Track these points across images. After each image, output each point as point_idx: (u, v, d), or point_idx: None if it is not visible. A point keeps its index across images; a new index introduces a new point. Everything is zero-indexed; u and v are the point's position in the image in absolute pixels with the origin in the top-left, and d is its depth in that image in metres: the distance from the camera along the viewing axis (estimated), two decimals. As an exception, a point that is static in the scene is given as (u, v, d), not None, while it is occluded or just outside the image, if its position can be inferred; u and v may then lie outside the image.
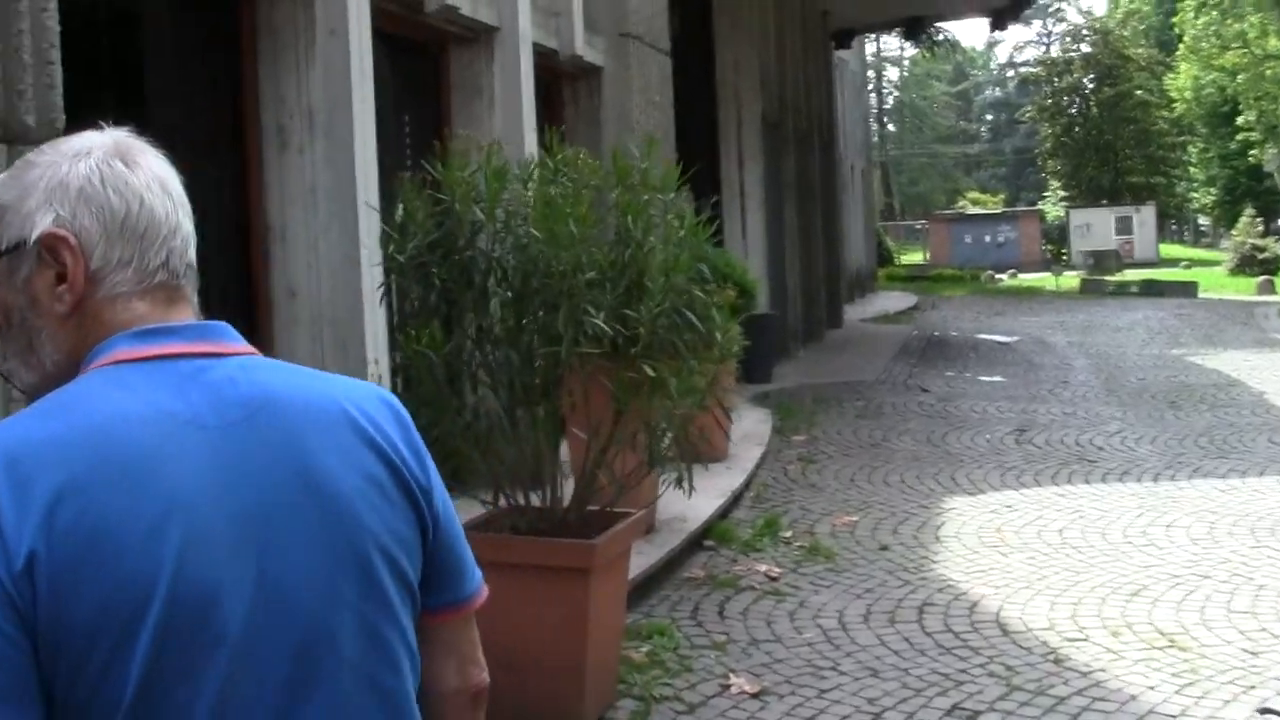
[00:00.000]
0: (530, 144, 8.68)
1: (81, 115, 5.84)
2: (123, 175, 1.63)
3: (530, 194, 5.25)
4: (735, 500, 9.29)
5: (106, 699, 1.39)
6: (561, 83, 11.17)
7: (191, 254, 1.70)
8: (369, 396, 1.67)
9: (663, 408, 5.47)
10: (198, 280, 1.71)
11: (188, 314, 1.65)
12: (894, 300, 32.42)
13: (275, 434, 1.54)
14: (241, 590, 1.45)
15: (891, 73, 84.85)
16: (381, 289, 5.51)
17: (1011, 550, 8.08)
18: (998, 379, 16.51)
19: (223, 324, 1.64)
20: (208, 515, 1.46)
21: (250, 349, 1.64)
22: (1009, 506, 9.26)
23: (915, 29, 27.54)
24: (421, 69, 9.12)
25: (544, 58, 10.00)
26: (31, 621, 1.36)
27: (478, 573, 1.84)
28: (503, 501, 5.55)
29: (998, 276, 44.23)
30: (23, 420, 1.48)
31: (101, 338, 1.58)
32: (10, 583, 1.36)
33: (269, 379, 1.59)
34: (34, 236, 1.59)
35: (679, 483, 5.52)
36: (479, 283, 5.21)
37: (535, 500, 5.56)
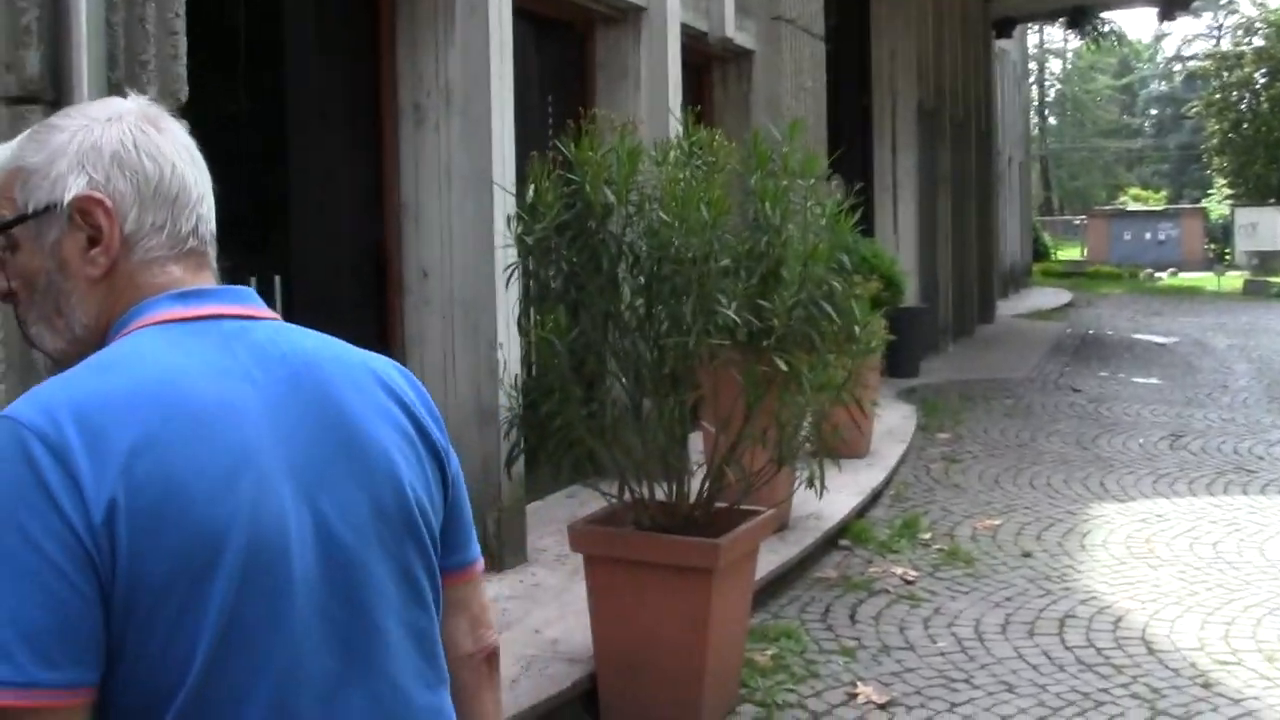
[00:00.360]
0: (676, 128, 8.48)
1: (214, 90, 5.79)
2: (155, 141, 1.64)
3: (665, 177, 5.04)
4: (874, 498, 9.02)
5: (183, 647, 1.42)
6: (710, 66, 10.97)
7: (213, 222, 1.73)
8: (387, 364, 1.74)
9: (795, 403, 5.25)
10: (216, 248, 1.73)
11: (212, 280, 1.68)
12: (1049, 296, 31.69)
13: (317, 391, 1.59)
14: (304, 537, 1.51)
15: (1054, 65, 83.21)
16: (509, 271, 5.35)
17: (1161, 563, 7.70)
18: (1153, 381, 15.96)
19: (250, 289, 1.69)
20: (271, 466, 1.50)
21: (275, 315, 1.68)
22: (1160, 516, 8.86)
23: (1079, 19, 26.82)
24: (566, 49, 8.97)
25: (693, 40, 9.80)
26: (109, 575, 1.39)
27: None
28: (627, 495, 5.37)
29: (1157, 275, 43.08)
30: (83, 376, 1.49)
31: (136, 300, 1.60)
32: (90, 537, 1.38)
33: (302, 341, 1.65)
34: (67, 199, 1.59)
35: (811, 482, 5.29)
36: (608, 268, 5.02)
37: (660, 495, 5.37)
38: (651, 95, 8.88)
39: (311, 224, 6.57)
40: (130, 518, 1.39)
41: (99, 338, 1.60)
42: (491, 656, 1.87)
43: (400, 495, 1.62)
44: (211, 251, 1.71)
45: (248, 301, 1.66)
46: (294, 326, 1.69)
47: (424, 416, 1.71)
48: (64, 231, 1.60)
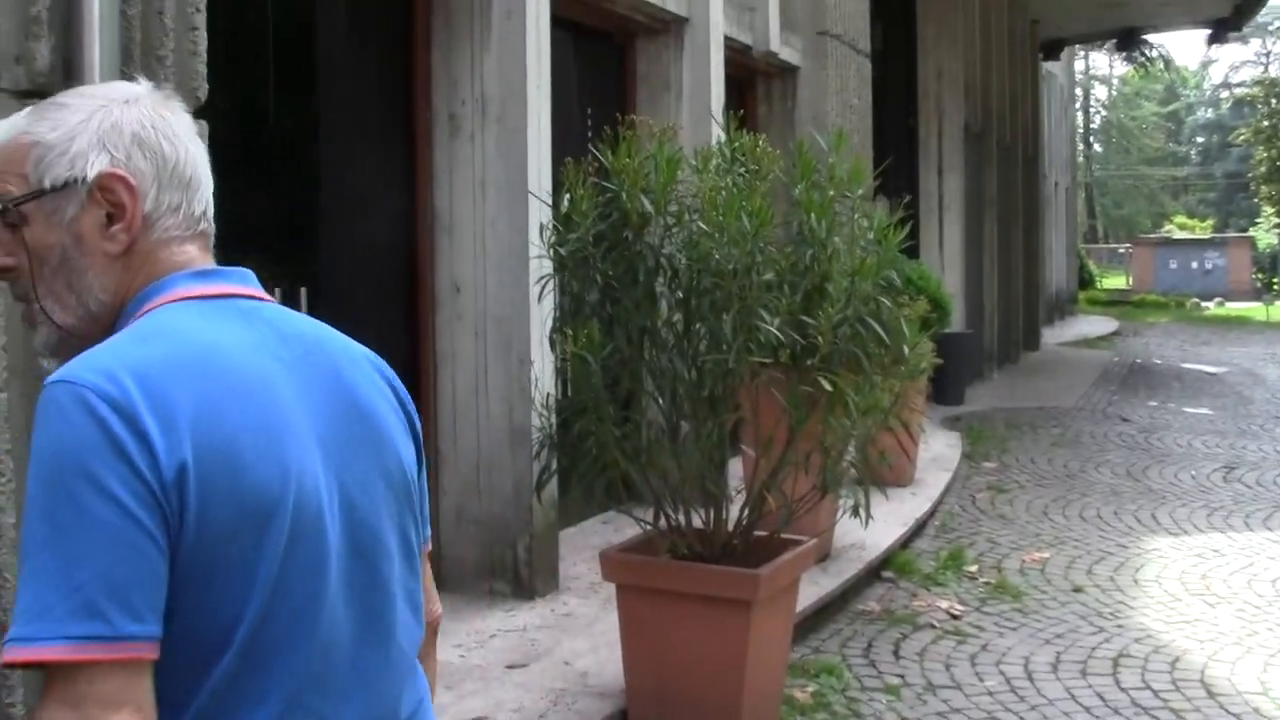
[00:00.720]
0: (718, 136, 8.25)
1: (243, 97, 5.58)
2: (171, 124, 1.70)
3: (704, 185, 4.78)
4: (918, 529, 8.72)
5: (234, 606, 1.49)
6: (755, 81, 10.75)
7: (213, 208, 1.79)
8: (369, 351, 1.83)
9: (841, 426, 4.98)
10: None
11: (215, 263, 1.75)
12: (1094, 325, 31.25)
13: (330, 370, 1.69)
14: (333, 505, 1.60)
15: (1100, 91, 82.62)
16: (542, 283, 5.10)
17: (1219, 600, 7.38)
18: (1204, 411, 15.58)
19: (250, 271, 1.75)
20: (305, 437, 1.59)
21: (271, 299, 1.75)
22: (1216, 551, 8.52)
23: (1128, 41, 26.49)
24: (606, 59, 8.75)
25: (736, 53, 9.58)
26: (176, 532, 1.45)
27: None
28: (662, 522, 5.11)
29: (1204, 305, 42.53)
30: (127, 345, 1.54)
31: (156, 277, 1.67)
32: (162, 493, 1.44)
33: (301, 323, 1.74)
34: (89, 176, 1.64)
35: (855, 511, 5.02)
36: (644, 281, 4.77)
37: (697, 522, 5.11)
38: (693, 108, 8.65)
39: (342, 235, 6.36)
40: (199, 479, 1.45)
41: (114, 314, 1.67)
42: (435, 626, 1.95)
43: (401, 470, 1.74)
44: (212, 234, 1.78)
45: (252, 283, 1.73)
46: (291, 310, 1.77)
47: (407, 400, 1.84)
48: (83, 208, 1.65)
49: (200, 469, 1.46)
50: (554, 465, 5.09)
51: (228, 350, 1.58)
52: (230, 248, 5.41)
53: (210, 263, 1.72)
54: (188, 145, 1.71)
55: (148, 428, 1.44)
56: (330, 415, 1.65)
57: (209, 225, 1.75)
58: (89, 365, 1.49)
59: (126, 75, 4.19)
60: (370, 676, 1.65)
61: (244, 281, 1.72)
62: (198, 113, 4.56)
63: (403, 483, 1.73)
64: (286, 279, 5.83)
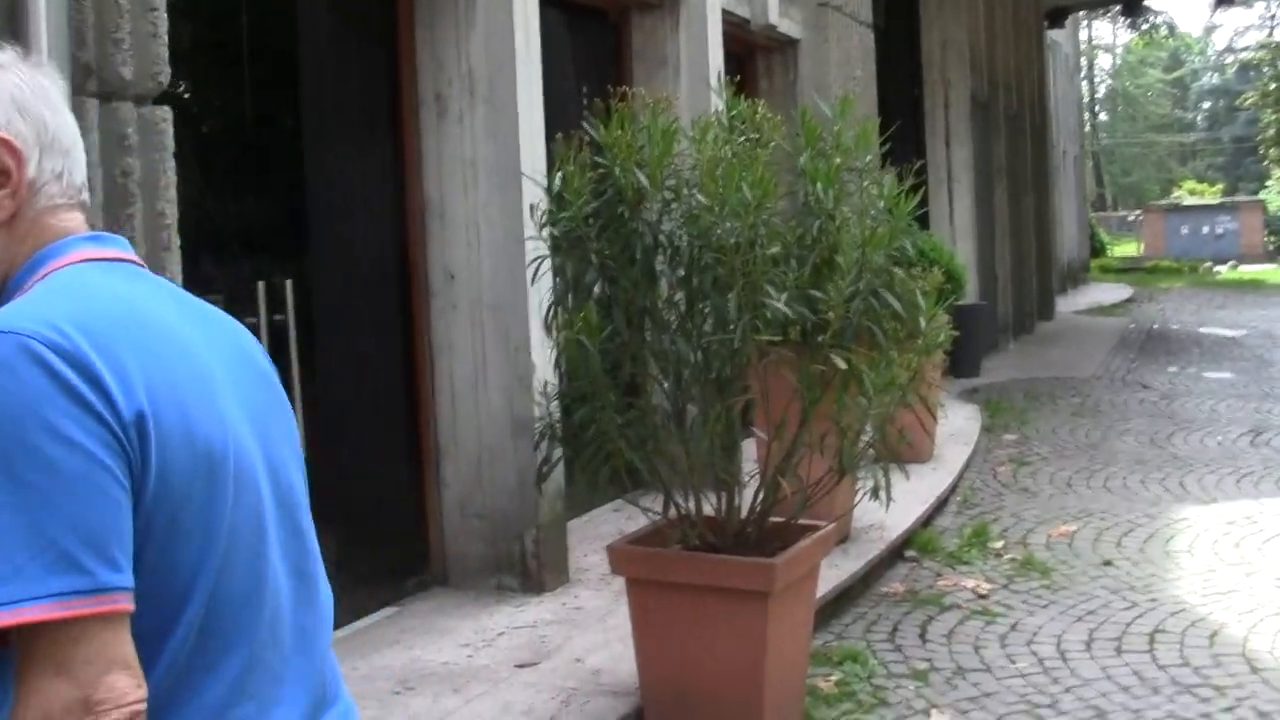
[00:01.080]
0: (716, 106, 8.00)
1: (228, 79, 5.35)
2: (48, 90, 1.63)
3: (702, 156, 4.52)
4: (940, 506, 8.46)
5: (193, 562, 1.44)
6: (755, 55, 10.49)
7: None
8: None
9: (857, 405, 4.72)
10: None
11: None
12: (1108, 292, 30.90)
13: (228, 331, 1.67)
14: (259, 460, 1.57)
15: (1104, 60, 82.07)
16: (534, 265, 4.86)
17: (1255, 570, 7.11)
18: (1225, 375, 15.28)
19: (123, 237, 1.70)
20: (229, 394, 1.55)
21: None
22: (1249, 519, 8.25)
23: (1133, 7, 26.14)
24: (601, 37, 8.49)
25: (735, 27, 9.32)
26: (140, 480, 1.39)
27: None
28: (672, 511, 4.86)
29: (1217, 269, 42.14)
30: (53, 299, 1.47)
31: (48, 242, 1.60)
32: (125, 439, 1.38)
33: (180, 290, 1.71)
34: None
35: (875, 493, 4.76)
36: (642, 260, 4.51)
37: (709, 510, 4.87)
38: (692, 85, 8.39)
39: (328, 225, 6.12)
40: (156, 427, 1.40)
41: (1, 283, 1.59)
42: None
43: (296, 435, 1.74)
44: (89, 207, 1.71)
45: (132, 250, 1.67)
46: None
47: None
48: None
49: (155, 416, 1.41)
50: (554, 456, 4.84)
51: (148, 309, 1.53)
52: (211, 241, 5.14)
53: (87, 230, 1.66)
54: (64, 113, 1.65)
55: (102, 375, 1.38)
56: (240, 377, 1.62)
57: (88, 197, 1.69)
58: (25, 315, 1.41)
59: (81, 61, 3.95)
60: (308, 636, 1.63)
61: (125, 247, 1.66)
62: (160, 98, 4.33)
63: (298, 448, 1.73)
64: (270, 272, 5.60)
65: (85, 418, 1.36)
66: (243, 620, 1.50)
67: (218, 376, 1.55)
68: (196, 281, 5.01)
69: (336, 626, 5.30)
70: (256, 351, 1.72)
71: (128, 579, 1.36)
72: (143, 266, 1.66)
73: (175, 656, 1.44)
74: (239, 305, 5.52)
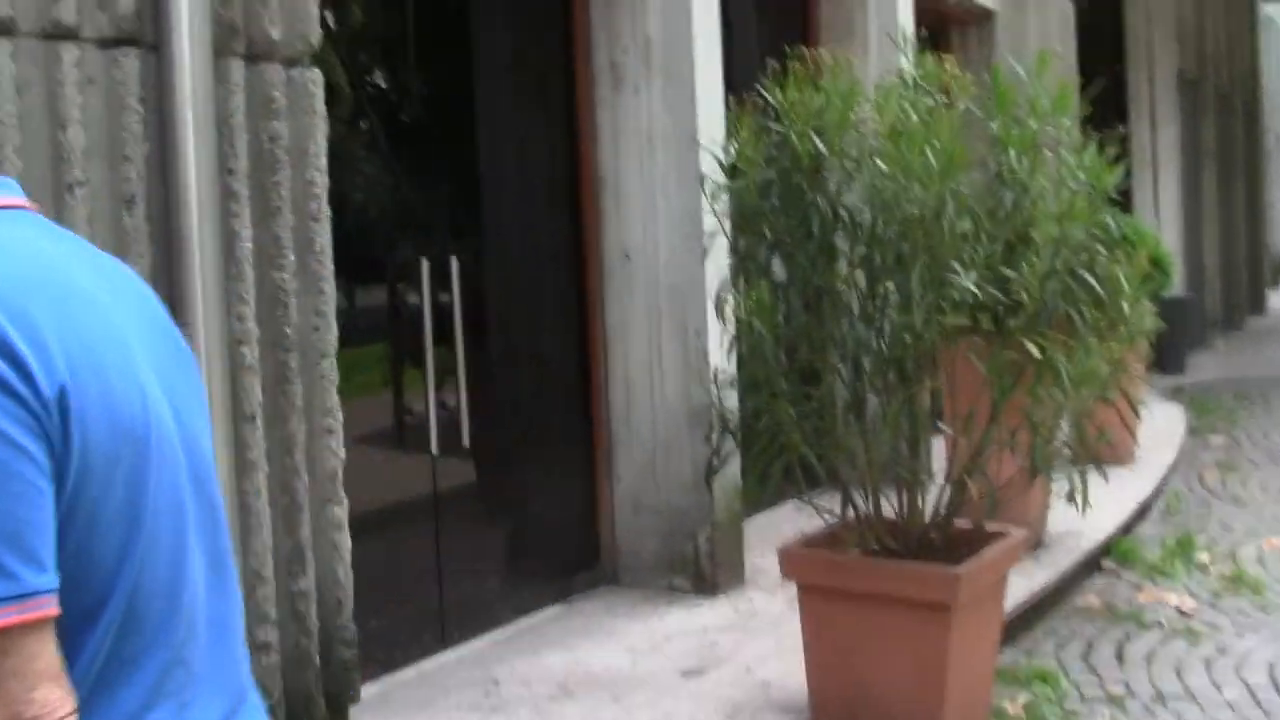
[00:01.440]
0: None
1: (393, 46, 5.14)
2: None
3: (884, 120, 4.13)
4: (1141, 513, 7.90)
5: (121, 538, 1.30)
6: (949, 28, 10.04)
7: None
8: None
9: (1052, 399, 4.29)
10: None
11: None
12: (1324, 286, 29.51)
13: (133, 284, 1.51)
14: (175, 432, 1.41)
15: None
16: (708, 242, 4.53)
17: None
18: None
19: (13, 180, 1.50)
20: (142, 354, 1.39)
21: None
22: None
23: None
24: (785, 9, 8.12)
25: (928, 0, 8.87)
26: (63, 461, 1.25)
27: None
28: (850, 512, 4.49)
29: None
30: None
31: None
32: (47, 420, 1.24)
33: (75, 236, 1.53)
34: None
35: (1071, 497, 4.32)
36: (819, 234, 4.14)
37: (889, 511, 4.48)
38: (882, 58, 7.96)
39: (498, 200, 5.88)
40: (78, 400, 1.26)
41: None
42: None
43: (204, 399, 1.58)
44: None
45: (20, 191, 1.47)
46: None
47: None
48: None
49: (77, 390, 1.26)
50: (724, 450, 4.51)
51: (54, 261, 1.37)
52: (370, 214, 4.90)
53: None
54: None
55: (18, 350, 1.23)
56: (151, 335, 1.44)
57: None
58: None
59: (224, 20, 3.73)
60: (223, 628, 1.48)
61: (19, 192, 1.46)
62: (314, 60, 4.11)
63: (208, 414, 1.56)
64: (436, 249, 5.36)
65: (6, 400, 1.21)
66: (164, 614, 1.36)
67: (131, 340, 1.37)
68: (350, 256, 4.81)
69: (502, 624, 5.09)
70: (160, 307, 1.53)
71: (53, 579, 1.22)
72: (38, 212, 1.46)
73: (93, 656, 1.30)
74: (400, 283, 5.31)
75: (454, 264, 5.37)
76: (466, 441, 5.42)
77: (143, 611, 1.33)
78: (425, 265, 5.24)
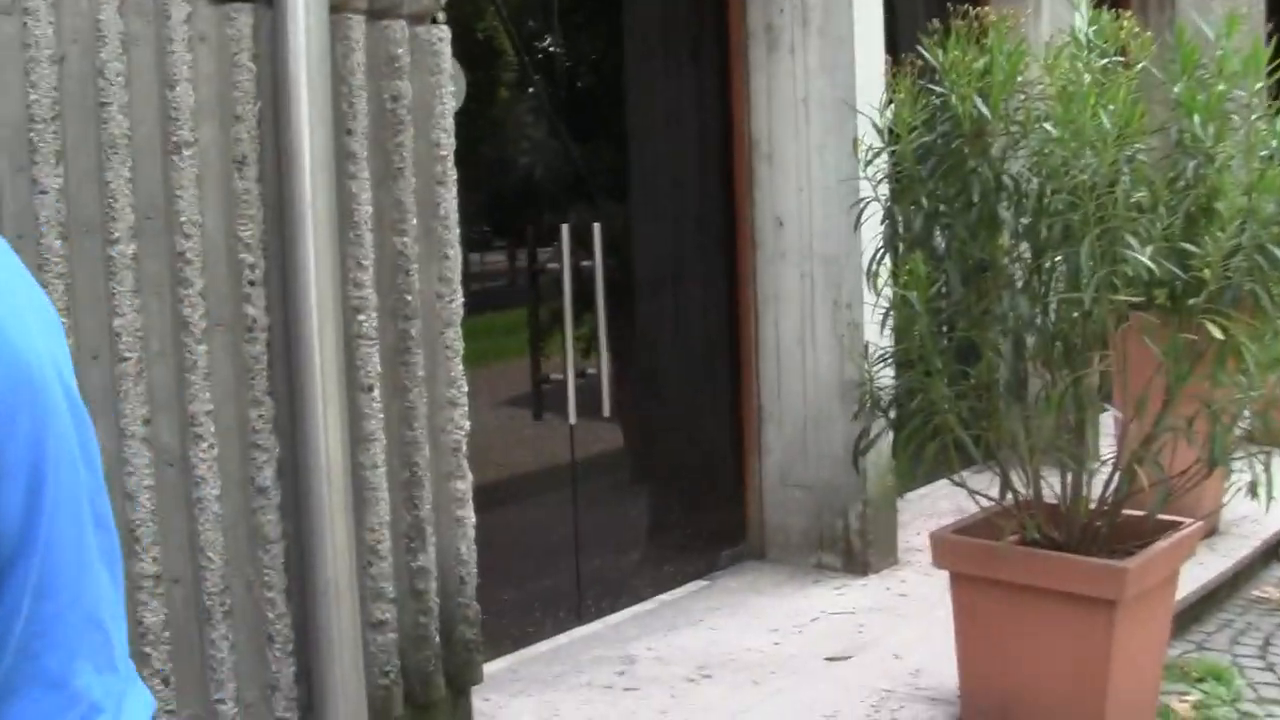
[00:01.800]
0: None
1: (543, 8, 4.99)
2: None
3: (1054, 80, 3.83)
4: (1324, 498, 7.48)
5: (22, 508, 1.10)
6: (1133, -15, 9.57)
7: None
8: None
9: (1234, 383, 3.97)
10: None
11: None
12: None
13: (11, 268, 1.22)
14: (56, 373, 1.19)
15: None
16: (859, 210, 4.29)
17: None
18: None
19: None
20: (26, 305, 1.19)
21: None
22: None
23: None
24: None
25: (1112, -47, 8.46)
26: None
27: None
28: (1008, 498, 4.23)
29: None
30: None
31: None
32: None
33: None
34: None
35: (1253, 490, 4.01)
36: (981, 203, 3.88)
37: (1050, 498, 4.21)
38: (1054, 17, 7.60)
39: (646, 165, 5.70)
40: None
41: None
42: None
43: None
44: None
45: None
46: None
47: None
48: None
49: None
50: (874, 428, 4.27)
51: None
52: (505, 178, 4.73)
53: None
54: None
55: None
56: (43, 326, 1.20)
57: None
58: None
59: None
60: (117, 599, 1.27)
61: None
62: (439, 17, 3.94)
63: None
64: (580, 214, 5.20)
65: None
66: (72, 584, 1.17)
67: (15, 289, 1.18)
68: (480, 220, 4.66)
69: (641, 599, 4.94)
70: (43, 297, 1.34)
71: None
72: None
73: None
74: (539, 248, 5.16)
75: (597, 229, 5.20)
76: (607, 411, 5.26)
77: (52, 584, 1.16)
78: (565, 231, 5.07)
